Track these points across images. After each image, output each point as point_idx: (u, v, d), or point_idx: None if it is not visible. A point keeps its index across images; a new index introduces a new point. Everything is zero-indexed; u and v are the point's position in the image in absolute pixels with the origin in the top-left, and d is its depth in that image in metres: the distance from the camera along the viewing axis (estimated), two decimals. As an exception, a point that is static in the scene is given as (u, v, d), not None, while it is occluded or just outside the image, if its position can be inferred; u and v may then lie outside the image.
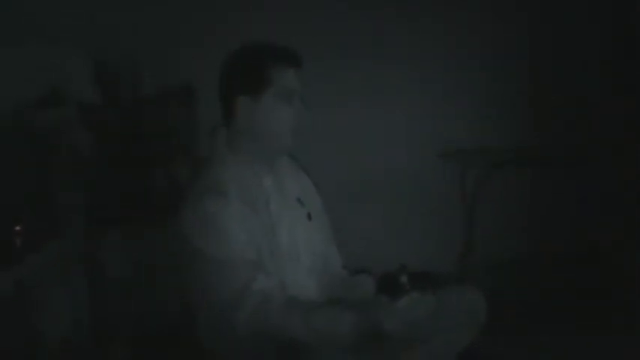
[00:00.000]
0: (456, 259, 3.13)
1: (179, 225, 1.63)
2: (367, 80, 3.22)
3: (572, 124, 3.33)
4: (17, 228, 2.12)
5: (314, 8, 3.09)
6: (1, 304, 2.03)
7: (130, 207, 2.61)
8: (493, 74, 3.33)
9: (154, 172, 2.70)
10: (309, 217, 1.77)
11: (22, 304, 2.19)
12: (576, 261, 3.22)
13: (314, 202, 1.83)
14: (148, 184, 2.68)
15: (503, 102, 3.35)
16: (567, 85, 3.37)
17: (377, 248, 3.05)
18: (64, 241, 2.37)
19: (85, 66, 2.55)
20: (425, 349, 1.65)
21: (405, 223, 3.28)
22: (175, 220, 1.64)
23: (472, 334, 1.73)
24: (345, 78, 3.18)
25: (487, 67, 3.32)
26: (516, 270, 3.19)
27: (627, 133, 3.26)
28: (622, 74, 3.36)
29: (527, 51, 3.35)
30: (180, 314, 1.74)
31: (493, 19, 3.31)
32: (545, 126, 3.34)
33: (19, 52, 2.38)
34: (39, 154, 2.33)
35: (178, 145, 2.74)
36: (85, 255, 2.47)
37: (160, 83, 2.78)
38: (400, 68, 3.24)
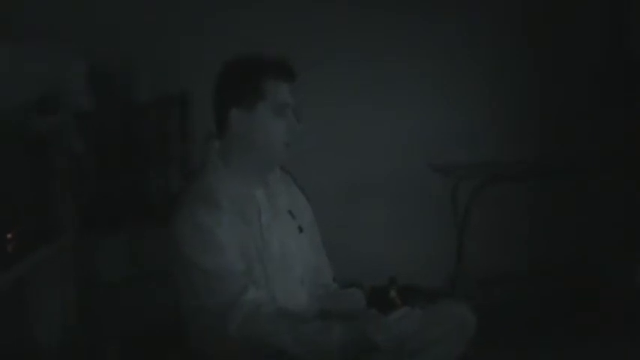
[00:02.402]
0: (451, 270, 3.11)
1: (171, 233, 1.64)
2: (366, 85, 3.21)
3: (571, 135, 3.31)
4: (9, 236, 2.13)
5: (313, 9, 3.08)
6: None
7: (126, 211, 2.63)
8: (494, 84, 3.32)
9: (149, 177, 2.72)
10: (300, 229, 1.78)
11: (20, 305, 2.21)
12: (574, 274, 3.21)
13: (305, 214, 1.84)
14: (143, 189, 2.70)
15: (501, 113, 3.34)
16: (566, 97, 3.35)
17: (374, 253, 3.06)
18: (61, 243, 2.39)
19: (81, 71, 2.56)
20: (415, 361, 1.66)
21: (402, 230, 3.27)
22: (169, 226, 1.65)
23: (462, 348, 1.74)
24: (344, 82, 3.17)
25: (488, 76, 3.31)
26: (513, 282, 3.19)
27: (627, 143, 3.24)
28: (621, 86, 3.35)
29: (526, 62, 3.33)
30: (178, 315, 1.75)
31: (493, 29, 3.29)
32: (544, 137, 3.33)
33: (16, 55, 2.38)
34: (36, 157, 2.34)
35: (173, 151, 2.75)
36: (83, 257, 2.49)
37: (156, 89, 2.79)
38: (399, 74, 3.23)
